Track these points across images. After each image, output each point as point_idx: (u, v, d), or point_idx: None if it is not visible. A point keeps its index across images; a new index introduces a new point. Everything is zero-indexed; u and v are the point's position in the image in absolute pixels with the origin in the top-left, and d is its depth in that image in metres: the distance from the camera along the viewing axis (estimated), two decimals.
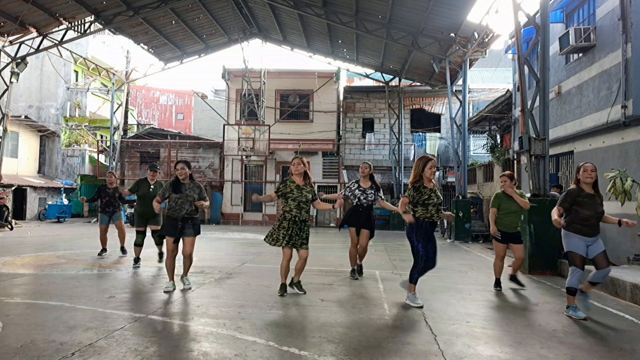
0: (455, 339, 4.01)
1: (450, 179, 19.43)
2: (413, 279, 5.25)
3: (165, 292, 5.64)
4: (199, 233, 5.84)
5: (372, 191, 6.80)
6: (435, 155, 21.47)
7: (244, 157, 21.42)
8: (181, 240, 5.77)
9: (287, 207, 5.50)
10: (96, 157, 23.92)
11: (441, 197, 5.29)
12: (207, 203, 5.75)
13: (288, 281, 5.72)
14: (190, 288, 5.75)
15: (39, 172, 24.23)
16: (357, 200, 6.81)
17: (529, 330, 4.36)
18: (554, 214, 4.86)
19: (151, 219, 7.91)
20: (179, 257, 5.83)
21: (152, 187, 7.97)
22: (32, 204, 21.94)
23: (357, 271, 6.95)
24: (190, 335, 4.02)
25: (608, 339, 4.17)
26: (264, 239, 5.65)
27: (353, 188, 6.88)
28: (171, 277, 5.81)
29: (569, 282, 4.83)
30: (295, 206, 5.45)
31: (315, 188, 5.92)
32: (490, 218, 6.31)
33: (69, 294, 5.43)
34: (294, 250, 5.58)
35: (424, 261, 5.17)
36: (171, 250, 5.71)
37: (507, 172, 6.66)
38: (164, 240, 7.66)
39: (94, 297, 5.29)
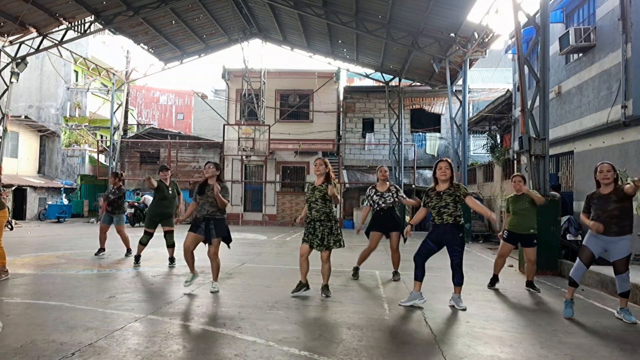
0: (455, 339, 4.01)
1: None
2: (414, 275, 5.27)
3: (185, 284, 5.81)
4: (224, 234, 5.77)
5: (390, 193, 6.78)
6: (435, 155, 21.49)
7: (244, 157, 21.42)
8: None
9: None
10: (96, 157, 23.92)
11: (449, 200, 5.18)
12: (224, 200, 5.69)
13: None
14: (217, 292, 5.70)
15: (39, 172, 24.23)
16: (376, 205, 6.79)
17: (529, 330, 4.36)
18: (585, 221, 4.93)
19: (164, 220, 7.97)
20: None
21: (169, 188, 8.01)
22: (32, 204, 21.94)
23: (395, 275, 6.91)
24: (190, 335, 4.02)
25: (608, 339, 4.17)
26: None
27: (371, 194, 6.87)
28: (191, 269, 5.88)
29: (571, 273, 4.93)
30: (308, 207, 5.61)
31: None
32: (504, 225, 6.46)
33: (69, 294, 5.43)
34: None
35: (417, 254, 5.24)
36: (187, 245, 5.72)
37: (520, 173, 6.76)
38: (175, 244, 7.75)
39: (94, 297, 5.29)
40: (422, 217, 5.42)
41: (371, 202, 6.85)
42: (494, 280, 6.43)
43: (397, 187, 7.00)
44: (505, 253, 6.40)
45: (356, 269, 7.06)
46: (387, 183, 6.88)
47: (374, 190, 6.85)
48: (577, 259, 4.91)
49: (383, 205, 6.74)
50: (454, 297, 5.22)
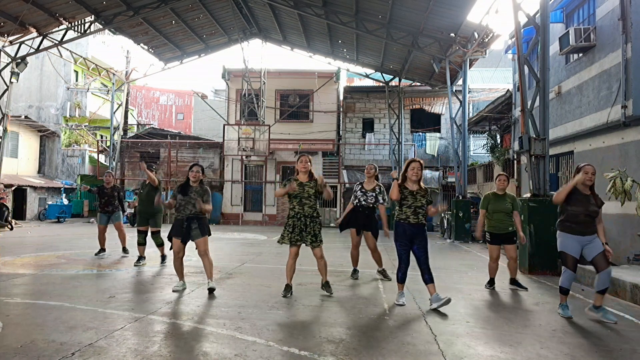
0: (455, 339, 4.01)
1: (450, 179, 19.45)
2: (397, 277, 5.32)
3: (174, 291, 5.70)
4: (208, 233, 5.82)
5: (374, 193, 6.81)
6: (435, 155, 21.50)
7: (244, 157, 21.42)
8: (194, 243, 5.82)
9: (291, 205, 5.55)
10: (96, 157, 23.92)
11: (424, 201, 5.19)
12: (209, 207, 5.80)
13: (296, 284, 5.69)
14: (214, 289, 5.69)
15: (39, 172, 24.23)
16: (357, 201, 6.85)
17: (529, 330, 4.36)
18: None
19: (150, 219, 8.01)
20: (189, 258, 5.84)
21: (142, 188, 8.10)
22: (32, 204, 21.94)
23: (384, 275, 6.92)
24: (190, 335, 4.02)
25: (608, 339, 4.17)
26: (277, 241, 5.65)
27: (356, 189, 6.92)
28: (180, 277, 5.86)
29: (560, 282, 4.92)
30: (297, 202, 5.49)
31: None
32: (479, 220, 6.37)
33: (69, 294, 5.43)
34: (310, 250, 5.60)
35: (401, 261, 5.24)
36: (176, 251, 5.74)
37: (504, 173, 6.71)
38: (164, 243, 7.79)
39: (94, 297, 5.29)
40: (396, 195, 5.20)
41: (354, 197, 6.88)
42: (491, 282, 6.42)
43: (384, 188, 6.97)
44: (496, 256, 6.35)
45: (354, 271, 7.07)
46: (375, 182, 6.90)
47: (359, 186, 6.91)
48: (563, 268, 4.87)
49: (364, 203, 6.78)
50: (433, 297, 5.08)
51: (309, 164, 5.58)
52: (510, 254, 6.31)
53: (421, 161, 5.33)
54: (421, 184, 5.30)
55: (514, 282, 6.38)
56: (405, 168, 5.29)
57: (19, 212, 21.01)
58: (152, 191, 7.97)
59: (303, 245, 5.54)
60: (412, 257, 5.23)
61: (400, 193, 5.22)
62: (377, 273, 7.00)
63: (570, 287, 4.87)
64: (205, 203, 5.75)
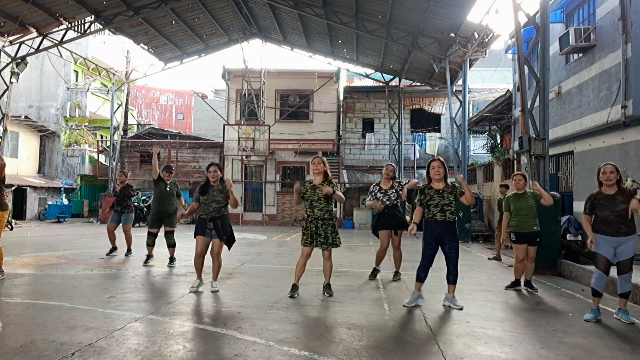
0: (455, 339, 4.01)
1: (450, 179, 19.44)
2: (417, 276, 5.28)
3: (191, 290, 5.72)
4: (229, 234, 5.81)
5: (394, 190, 6.81)
6: (435, 155, 21.50)
7: (244, 157, 21.42)
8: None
9: (305, 208, 5.60)
10: (96, 157, 23.92)
11: (451, 198, 5.19)
12: (235, 198, 5.83)
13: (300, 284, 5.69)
14: (217, 291, 5.72)
15: (39, 172, 24.22)
16: (381, 202, 6.82)
17: (529, 330, 4.36)
18: (587, 228, 4.87)
19: (166, 219, 7.97)
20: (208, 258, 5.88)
21: (168, 186, 8.03)
22: (32, 204, 21.93)
23: (394, 276, 6.90)
24: (190, 335, 4.02)
25: (608, 339, 4.16)
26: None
27: (375, 191, 6.89)
28: (198, 276, 5.86)
29: (592, 283, 4.86)
30: (309, 206, 5.55)
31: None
32: (503, 224, 6.38)
33: (69, 294, 5.43)
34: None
35: (423, 258, 5.23)
36: (199, 249, 5.75)
37: (521, 172, 6.70)
38: (176, 244, 7.81)
39: (94, 297, 5.29)
40: (422, 215, 5.38)
41: (375, 199, 6.86)
42: (515, 283, 6.34)
43: (400, 182, 6.97)
44: (522, 256, 6.25)
45: (375, 270, 6.98)
46: (391, 182, 6.88)
47: (377, 188, 6.89)
48: (595, 269, 4.82)
49: (388, 202, 6.76)
50: (448, 297, 5.22)
51: (321, 165, 5.57)
52: (529, 255, 6.27)
53: (441, 159, 5.36)
54: (448, 181, 5.30)
55: (527, 283, 6.33)
56: (427, 169, 5.32)
57: (19, 212, 21.00)
58: (174, 188, 8.02)
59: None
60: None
61: (424, 195, 5.28)
62: (394, 275, 6.92)
63: (601, 290, 4.77)
64: (231, 195, 5.78)
